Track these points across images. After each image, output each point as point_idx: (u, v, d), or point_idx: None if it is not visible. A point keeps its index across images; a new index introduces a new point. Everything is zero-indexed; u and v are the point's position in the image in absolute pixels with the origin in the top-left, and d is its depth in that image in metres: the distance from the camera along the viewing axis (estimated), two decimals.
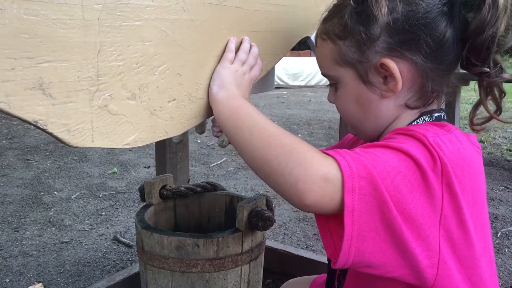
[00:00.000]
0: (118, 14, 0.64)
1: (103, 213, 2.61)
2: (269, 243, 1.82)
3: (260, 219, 1.29)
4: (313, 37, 1.02)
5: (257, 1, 0.86)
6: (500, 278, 1.94)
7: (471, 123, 0.77)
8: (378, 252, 0.59)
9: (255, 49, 0.87)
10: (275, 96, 8.04)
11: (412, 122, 0.75)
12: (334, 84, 0.79)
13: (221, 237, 1.26)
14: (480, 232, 0.67)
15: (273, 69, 1.35)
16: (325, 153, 0.62)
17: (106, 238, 2.30)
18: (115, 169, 3.44)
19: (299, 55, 10.26)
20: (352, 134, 0.91)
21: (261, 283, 1.43)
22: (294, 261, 1.74)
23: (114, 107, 0.66)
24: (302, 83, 9.66)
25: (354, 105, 0.77)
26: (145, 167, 3.52)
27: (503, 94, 0.75)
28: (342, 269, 0.86)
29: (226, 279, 1.30)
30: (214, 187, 1.59)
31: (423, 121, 0.75)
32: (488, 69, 0.71)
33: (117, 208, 2.70)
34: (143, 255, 1.33)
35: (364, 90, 0.74)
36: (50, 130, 0.59)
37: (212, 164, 3.64)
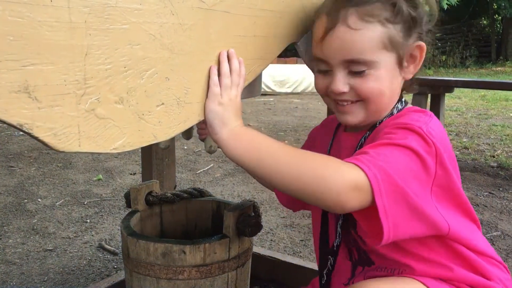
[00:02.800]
0: (106, 17, 0.63)
1: (88, 221, 2.57)
2: (256, 249, 1.81)
3: (247, 225, 1.28)
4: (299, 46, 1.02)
5: (245, 6, 0.86)
6: None
7: None
8: (409, 228, 0.75)
9: (236, 64, 0.84)
10: (261, 103, 8.06)
11: (392, 112, 0.87)
12: (359, 72, 0.81)
13: (208, 243, 1.25)
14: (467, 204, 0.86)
15: (260, 74, 1.36)
16: (349, 162, 0.72)
17: (91, 245, 2.26)
18: (100, 176, 3.40)
19: (285, 62, 10.29)
20: (350, 122, 0.89)
21: None
22: (282, 267, 1.74)
23: (102, 111, 0.65)
24: (289, 90, 9.69)
25: (388, 89, 0.84)
26: (131, 174, 3.49)
27: None
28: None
29: (213, 286, 1.29)
30: (201, 193, 1.58)
31: (396, 109, 0.87)
32: None
33: (102, 215, 2.66)
34: (128, 262, 1.31)
35: (397, 73, 0.84)
36: (35, 134, 0.58)
37: (199, 171, 3.62)
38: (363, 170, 0.70)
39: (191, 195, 1.56)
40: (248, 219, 1.28)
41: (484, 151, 4.38)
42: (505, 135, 5.17)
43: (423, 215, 0.76)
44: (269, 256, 1.78)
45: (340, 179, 0.69)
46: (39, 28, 0.56)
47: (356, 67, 0.81)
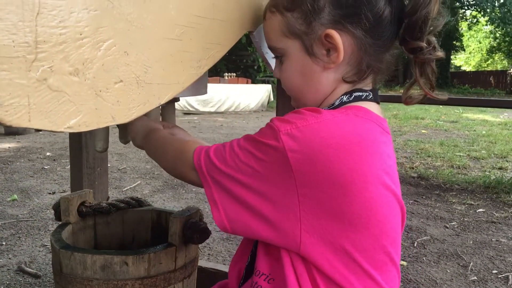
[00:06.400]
0: None
1: (4, 243, 2.32)
2: (198, 262, 1.72)
3: (196, 231, 1.19)
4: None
5: None
6: (422, 284, 2.00)
7: (405, 101, 0.86)
8: (248, 228, 0.72)
9: None
10: (186, 121, 7.93)
11: (334, 103, 0.80)
12: (280, 57, 0.84)
13: (152, 253, 1.15)
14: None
15: (206, 73, 1.29)
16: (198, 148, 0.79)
17: (8, 269, 2.03)
18: (15, 196, 3.12)
19: (208, 82, 10.26)
20: (293, 106, 0.92)
21: None
22: (225, 278, 1.66)
23: (55, 82, 0.55)
24: (212, 109, 9.65)
25: (298, 77, 0.82)
26: (50, 193, 3.23)
27: (435, 73, 0.82)
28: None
29: None
30: (139, 202, 1.46)
31: (340, 101, 0.79)
32: (422, 44, 0.78)
33: (19, 237, 2.42)
34: (61, 279, 1.17)
35: (308, 62, 0.79)
36: None
37: (125, 188, 3.44)
38: (194, 160, 0.77)
39: (129, 204, 1.45)
40: (196, 225, 1.20)
41: (403, 163, 4.60)
42: (420, 149, 5.48)
43: (262, 216, 0.70)
44: (212, 268, 1.69)
45: (186, 158, 0.79)
46: None
47: (274, 52, 0.85)
